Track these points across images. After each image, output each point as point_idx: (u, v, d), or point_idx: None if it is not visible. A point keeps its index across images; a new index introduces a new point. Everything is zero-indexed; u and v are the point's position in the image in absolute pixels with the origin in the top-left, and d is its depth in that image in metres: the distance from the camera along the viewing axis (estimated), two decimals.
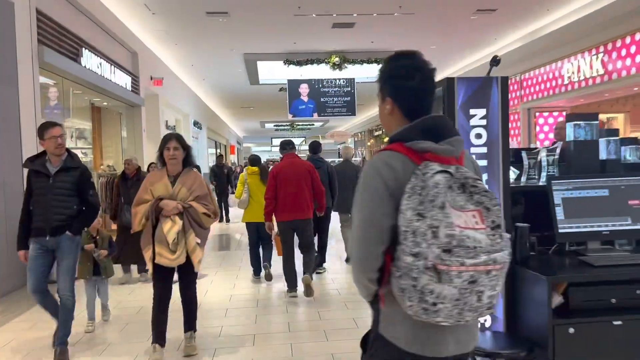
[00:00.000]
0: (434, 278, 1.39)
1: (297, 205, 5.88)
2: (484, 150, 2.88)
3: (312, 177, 5.99)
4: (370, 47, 15.05)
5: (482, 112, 2.87)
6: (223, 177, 14.75)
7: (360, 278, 1.59)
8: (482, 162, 2.86)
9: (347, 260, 7.88)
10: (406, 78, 1.63)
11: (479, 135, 2.88)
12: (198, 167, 4.72)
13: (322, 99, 18.20)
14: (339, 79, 18.49)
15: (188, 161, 4.09)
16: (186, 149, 4.05)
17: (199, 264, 4.07)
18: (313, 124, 34.24)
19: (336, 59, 15.52)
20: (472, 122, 2.88)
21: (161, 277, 4.05)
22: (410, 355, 1.55)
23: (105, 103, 11.44)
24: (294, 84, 17.78)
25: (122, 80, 10.93)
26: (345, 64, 15.74)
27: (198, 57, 14.99)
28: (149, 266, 3.99)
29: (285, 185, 5.88)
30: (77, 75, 8.33)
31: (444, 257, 1.38)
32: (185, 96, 18.81)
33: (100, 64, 9.59)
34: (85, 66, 8.74)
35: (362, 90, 19.46)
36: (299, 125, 34.41)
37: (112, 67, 10.30)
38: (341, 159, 8.59)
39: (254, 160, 7.11)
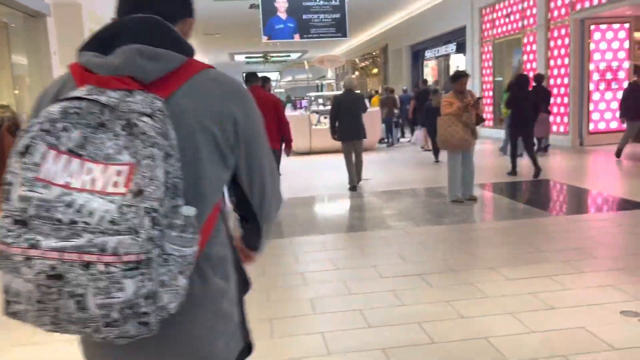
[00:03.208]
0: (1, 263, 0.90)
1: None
2: None
3: (277, 110, 6.12)
4: None
5: None
6: None
7: None
8: None
9: (351, 188, 7.88)
10: None
11: None
12: None
13: (304, 16, 14.31)
14: None
15: None
16: None
17: None
18: (289, 55, 30.05)
19: None
20: None
21: None
22: None
23: None
24: None
25: None
26: None
27: None
28: None
29: None
30: None
31: (7, 230, 0.87)
32: None
33: None
34: None
35: (354, 6, 15.47)
36: (273, 57, 30.16)
37: None
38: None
39: None
